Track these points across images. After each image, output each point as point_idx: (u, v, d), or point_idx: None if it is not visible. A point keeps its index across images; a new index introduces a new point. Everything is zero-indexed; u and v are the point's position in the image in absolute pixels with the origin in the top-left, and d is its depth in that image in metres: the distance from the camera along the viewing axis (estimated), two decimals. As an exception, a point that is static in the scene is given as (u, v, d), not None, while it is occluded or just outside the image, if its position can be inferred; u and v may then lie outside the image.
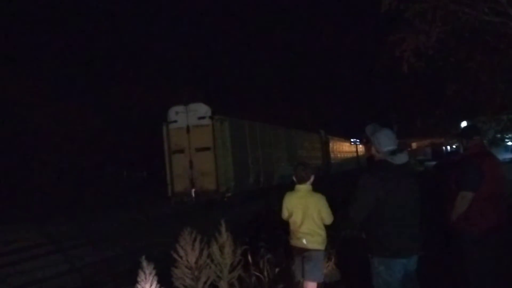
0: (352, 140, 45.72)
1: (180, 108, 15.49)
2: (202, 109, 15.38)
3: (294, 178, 4.23)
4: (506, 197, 4.01)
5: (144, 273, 2.77)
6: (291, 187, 4.30)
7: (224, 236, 3.74)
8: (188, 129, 15.28)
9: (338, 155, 38.34)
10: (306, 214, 4.08)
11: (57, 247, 9.92)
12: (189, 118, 15.31)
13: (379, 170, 3.26)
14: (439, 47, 8.17)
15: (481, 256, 3.80)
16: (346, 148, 43.66)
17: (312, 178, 4.20)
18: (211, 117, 15.21)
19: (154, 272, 2.81)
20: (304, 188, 4.17)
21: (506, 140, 19.24)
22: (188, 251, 3.66)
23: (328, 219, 4.11)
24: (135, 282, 3.01)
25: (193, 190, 15.01)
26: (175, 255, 3.66)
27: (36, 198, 22.64)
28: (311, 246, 4.07)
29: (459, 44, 8.42)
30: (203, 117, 15.24)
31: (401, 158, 3.25)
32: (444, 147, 39.75)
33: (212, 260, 3.71)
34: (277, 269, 4.45)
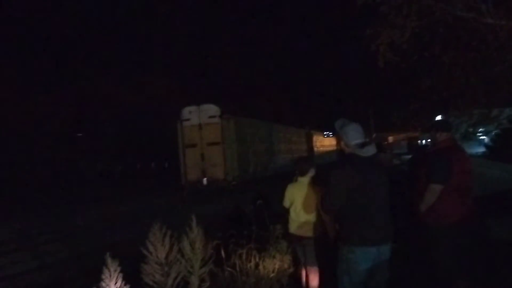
0: (325, 133, 46.69)
1: (193, 108, 17.78)
2: (213, 109, 17.70)
3: (296, 171, 4.64)
4: (473, 190, 4.07)
5: (109, 270, 2.68)
6: (294, 179, 4.67)
7: (195, 231, 3.67)
8: (200, 126, 17.60)
9: (321, 148, 40.81)
10: (304, 204, 4.41)
11: (27, 243, 9.70)
12: (201, 116, 17.62)
13: (349, 163, 3.36)
14: (414, 41, 8.22)
15: (448, 247, 3.89)
16: (327, 142, 45.69)
17: (310, 171, 4.52)
18: (220, 116, 17.52)
19: (119, 269, 2.72)
20: (304, 180, 4.51)
21: (479, 134, 19.67)
22: (158, 247, 3.58)
23: (307, 207, 4.35)
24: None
25: (205, 179, 17.27)
26: (144, 251, 3.58)
27: (5, 193, 22.04)
28: (308, 234, 4.39)
29: (433, 39, 8.48)
30: (213, 116, 17.53)
31: (369, 151, 3.35)
32: (419, 141, 40.43)
33: (182, 256, 3.64)
34: (249, 264, 4.42)
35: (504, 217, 7.17)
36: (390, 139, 58.35)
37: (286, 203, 4.62)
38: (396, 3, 7.59)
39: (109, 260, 2.71)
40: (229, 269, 4.32)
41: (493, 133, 21.93)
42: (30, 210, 16.32)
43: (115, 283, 2.67)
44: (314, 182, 4.48)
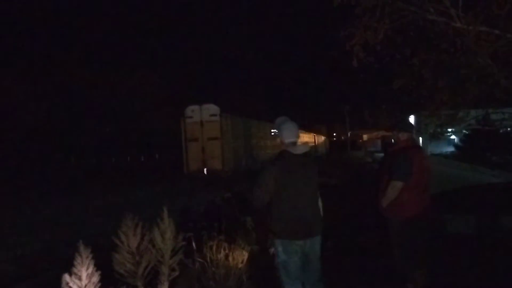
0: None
1: (195, 107, 20.10)
2: (213, 108, 19.98)
3: None
4: (432, 187, 4.31)
5: (81, 256, 2.78)
6: None
7: (166, 222, 3.78)
8: (201, 123, 19.82)
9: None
10: None
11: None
12: (203, 115, 19.87)
13: (280, 159, 3.60)
14: (387, 43, 8.45)
15: (407, 240, 4.12)
16: (306, 138, 46.82)
17: None
18: (220, 115, 19.82)
19: (91, 256, 2.82)
20: None
21: (448, 134, 20.26)
22: (129, 236, 3.68)
23: None
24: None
25: (205, 169, 19.54)
26: (116, 241, 3.67)
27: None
28: None
29: (404, 41, 8.72)
30: (214, 115, 19.81)
31: (301, 149, 3.62)
32: (392, 140, 41.20)
33: (153, 246, 3.75)
34: (219, 255, 4.55)
35: (460, 212, 7.50)
36: (365, 137, 59.25)
37: None
38: (370, 5, 7.79)
39: (81, 247, 2.81)
40: (199, 260, 4.44)
41: (462, 133, 22.61)
42: (5, 201, 16.03)
43: (87, 269, 2.77)
44: None
